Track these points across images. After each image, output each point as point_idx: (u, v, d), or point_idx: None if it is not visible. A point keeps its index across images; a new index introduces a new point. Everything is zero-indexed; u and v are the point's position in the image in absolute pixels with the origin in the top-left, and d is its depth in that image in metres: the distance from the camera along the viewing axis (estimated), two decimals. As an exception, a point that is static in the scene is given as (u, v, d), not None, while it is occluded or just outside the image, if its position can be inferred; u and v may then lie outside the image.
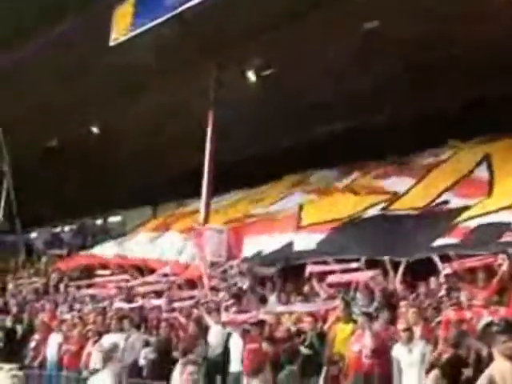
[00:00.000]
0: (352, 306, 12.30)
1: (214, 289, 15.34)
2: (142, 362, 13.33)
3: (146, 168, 22.48)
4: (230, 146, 18.82)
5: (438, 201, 15.50)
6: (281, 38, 15.96)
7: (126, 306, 15.70)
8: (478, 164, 16.49)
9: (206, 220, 18.24)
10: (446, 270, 11.99)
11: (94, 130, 22.30)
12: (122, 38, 17.53)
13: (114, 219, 28.89)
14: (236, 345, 12.30)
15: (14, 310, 18.58)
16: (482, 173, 16.12)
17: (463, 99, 16.99)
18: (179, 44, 16.96)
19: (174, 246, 19.34)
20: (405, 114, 17.45)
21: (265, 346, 11.49)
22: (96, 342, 14.19)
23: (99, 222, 29.29)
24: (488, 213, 13.62)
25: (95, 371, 11.53)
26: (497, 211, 13.51)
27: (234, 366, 12.17)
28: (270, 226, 17.67)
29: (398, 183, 17.78)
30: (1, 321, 17.66)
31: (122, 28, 17.65)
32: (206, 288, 15.43)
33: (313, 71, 16.91)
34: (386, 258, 13.18)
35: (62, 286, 19.71)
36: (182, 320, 14.14)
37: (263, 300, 14.32)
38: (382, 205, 16.43)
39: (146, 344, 13.67)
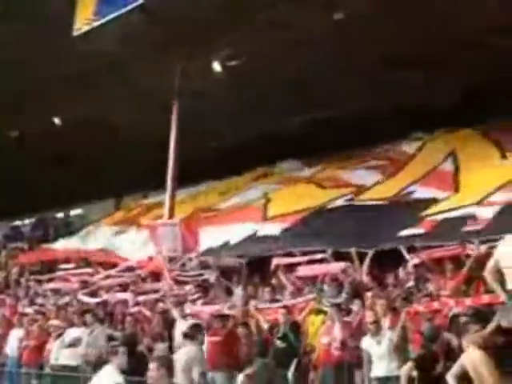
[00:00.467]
0: (321, 297, 12.29)
1: (179, 282, 15.16)
2: (106, 356, 13.08)
3: (109, 160, 22.13)
4: (196, 138, 18.61)
5: (404, 192, 15.54)
6: (248, 28, 15.78)
7: (89, 300, 15.45)
8: (444, 159, 16.60)
9: (171, 212, 18.02)
10: (413, 260, 11.99)
11: (56, 121, 21.91)
12: (86, 28, 17.21)
13: (75, 212, 28.47)
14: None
15: (-26, 304, 18.15)
16: (448, 167, 16.24)
17: (425, 91, 16.96)
18: (143, 35, 16.69)
19: (138, 239, 19.13)
20: (369, 106, 17.38)
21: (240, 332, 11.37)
22: (58, 336, 13.91)
23: (60, 215, 28.84)
24: (454, 208, 13.72)
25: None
26: (463, 206, 13.62)
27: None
28: (236, 217, 17.58)
29: (363, 176, 17.79)
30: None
31: (85, 18, 17.33)
32: (168, 282, 15.22)
33: (279, 62, 16.77)
34: (353, 250, 13.10)
35: (23, 280, 19.32)
36: (148, 313, 13.95)
37: (229, 292, 14.20)
38: (349, 196, 16.42)
39: (111, 338, 13.42)
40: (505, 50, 15.05)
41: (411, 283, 11.76)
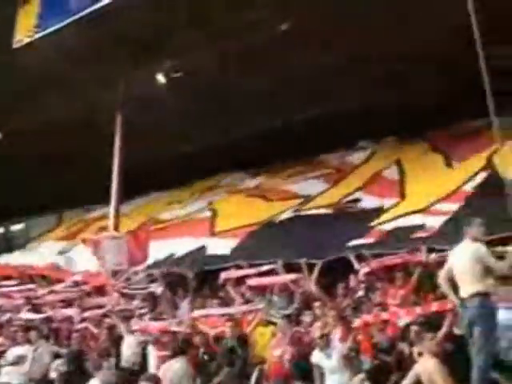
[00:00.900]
0: (270, 309, 12.23)
1: (125, 295, 14.90)
2: (52, 374, 12.75)
3: (51, 173, 21.69)
4: (141, 149, 18.39)
5: (350, 199, 15.63)
6: (192, 39, 15.69)
7: (33, 316, 15.06)
8: (390, 167, 16.77)
9: (116, 226, 17.73)
10: (363, 269, 12.01)
11: (-4, 134, 21.38)
12: (26, 40, 16.87)
13: (16, 227, 27.82)
14: (151, 354, 11.95)
15: None
16: (394, 175, 16.39)
17: (369, 100, 17.09)
18: (87, 46, 16.43)
19: (82, 254, 18.79)
20: (316, 116, 17.44)
21: None
22: (0, 354, 13.51)
23: (0, 230, 28.17)
24: (401, 216, 13.83)
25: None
26: (409, 214, 13.74)
27: (152, 374, 11.78)
28: (182, 230, 17.41)
29: (309, 186, 17.83)
30: None
31: (26, 29, 17.00)
32: (114, 297, 14.94)
33: (226, 73, 16.73)
34: (302, 261, 13.07)
35: (-37, 298, 18.70)
36: (94, 330, 13.68)
37: (176, 306, 14.02)
38: (296, 207, 16.44)
39: (57, 356, 13.10)
40: (446, 62, 15.27)
41: (361, 293, 11.77)
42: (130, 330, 12.72)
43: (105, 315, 14.05)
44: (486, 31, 10.45)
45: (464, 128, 16.86)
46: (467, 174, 14.73)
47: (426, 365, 8.25)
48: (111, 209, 17.93)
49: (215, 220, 17.55)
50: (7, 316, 15.62)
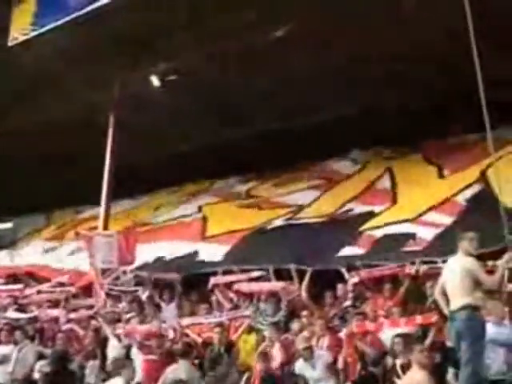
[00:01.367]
0: (257, 316, 12.20)
1: (112, 296, 14.81)
2: (36, 375, 12.65)
3: (41, 173, 21.57)
4: (133, 151, 18.32)
5: (343, 209, 15.63)
6: (188, 40, 15.65)
7: (19, 316, 14.95)
8: (382, 176, 16.77)
9: (106, 227, 17.64)
10: (352, 279, 12.00)
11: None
12: (22, 38, 16.80)
13: (3, 226, 27.63)
14: (136, 357, 11.87)
15: None
16: (385, 184, 16.41)
17: (364, 109, 17.04)
18: (83, 46, 16.37)
19: (70, 254, 18.70)
20: (311, 122, 17.40)
21: None
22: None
23: (-12, 228, 27.96)
24: (392, 223, 13.83)
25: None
26: (400, 222, 13.74)
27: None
28: (172, 234, 17.35)
29: (301, 196, 17.79)
30: None
31: (21, 28, 16.93)
32: (100, 297, 14.84)
33: (218, 76, 16.70)
34: (292, 268, 13.03)
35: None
36: (80, 331, 13.60)
37: (161, 310, 13.96)
38: (288, 216, 16.42)
39: (41, 356, 13.01)
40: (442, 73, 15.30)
41: (349, 302, 11.76)
42: (115, 333, 12.64)
43: (91, 317, 13.96)
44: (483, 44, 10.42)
45: (458, 140, 16.85)
46: (460, 184, 14.72)
47: (415, 377, 8.24)
48: (101, 209, 17.83)
49: (206, 224, 17.47)
50: (-8, 315, 15.52)
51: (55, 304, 15.28)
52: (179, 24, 15.14)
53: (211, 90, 17.17)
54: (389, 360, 9.60)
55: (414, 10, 13.45)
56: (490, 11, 12.81)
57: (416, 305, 11.09)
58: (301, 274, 12.87)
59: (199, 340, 12.02)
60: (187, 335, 12.25)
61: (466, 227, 9.95)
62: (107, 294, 14.78)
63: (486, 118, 9.51)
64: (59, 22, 16.09)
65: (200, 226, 17.41)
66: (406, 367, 8.80)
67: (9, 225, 27.02)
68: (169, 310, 13.88)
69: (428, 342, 9.26)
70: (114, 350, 12.38)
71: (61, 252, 19.31)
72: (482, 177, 14.26)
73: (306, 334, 10.79)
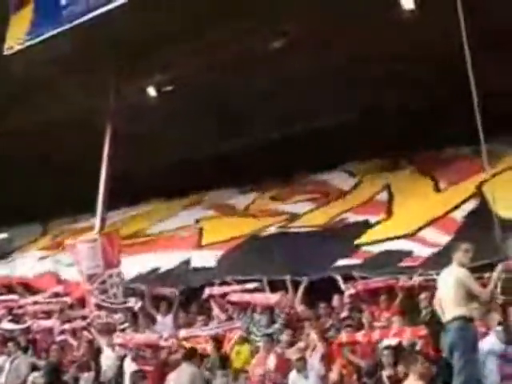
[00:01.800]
0: (251, 327, 12.16)
1: (104, 308, 14.72)
2: (29, 387, 12.59)
3: (37, 182, 21.53)
4: (130, 160, 18.29)
5: (337, 219, 15.61)
6: (182, 53, 15.65)
7: (13, 327, 14.88)
8: (379, 189, 16.74)
9: (102, 236, 17.51)
10: (349, 290, 11.96)
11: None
12: (18, 47, 16.78)
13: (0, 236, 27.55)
14: (130, 368, 11.81)
15: None
16: (382, 197, 16.37)
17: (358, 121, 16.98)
18: (78, 55, 16.36)
19: (65, 264, 18.62)
20: (303, 129, 17.38)
21: None
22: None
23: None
24: (389, 239, 13.80)
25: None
26: (398, 238, 13.73)
27: (128, 390, 11.64)
28: (168, 245, 17.30)
29: (298, 207, 17.76)
30: None
31: (17, 37, 16.92)
32: (91, 306, 14.74)
33: (213, 87, 16.69)
34: (288, 278, 12.98)
35: None
36: (73, 342, 13.54)
37: (158, 322, 13.90)
38: (282, 223, 16.39)
39: (34, 368, 12.94)
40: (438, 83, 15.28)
41: (345, 313, 11.71)
42: (109, 344, 12.58)
43: (84, 328, 13.90)
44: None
45: (453, 152, 16.83)
46: (456, 199, 14.68)
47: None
48: (97, 219, 17.74)
49: (202, 234, 17.46)
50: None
51: (50, 315, 15.21)
52: (177, 33, 15.09)
53: (209, 99, 17.15)
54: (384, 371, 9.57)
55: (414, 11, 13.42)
56: (488, 22, 12.85)
57: (411, 316, 11.02)
58: (296, 285, 12.83)
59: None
60: (184, 347, 12.17)
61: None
62: (100, 306, 14.66)
63: (481, 131, 9.54)
64: (55, 32, 16.05)
65: (196, 237, 17.36)
66: (393, 378, 8.83)
67: (4, 235, 26.99)
68: (165, 321, 13.81)
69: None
70: (107, 360, 12.32)
71: (56, 262, 19.20)
72: (478, 191, 14.20)
73: (300, 344, 10.75)
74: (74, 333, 13.93)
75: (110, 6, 14.73)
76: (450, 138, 16.00)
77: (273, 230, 16.08)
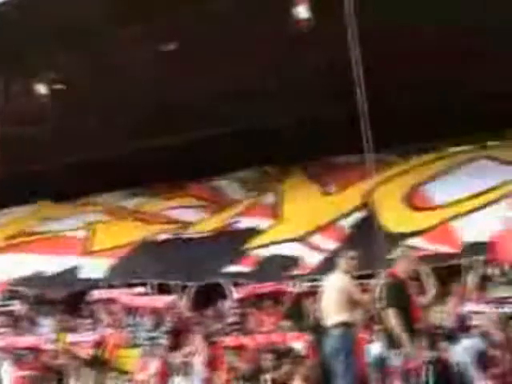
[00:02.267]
0: (137, 330, 12.07)
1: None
2: None
3: None
4: (19, 160, 17.74)
5: (228, 224, 15.67)
6: (77, 53, 15.28)
7: None
8: (268, 194, 16.88)
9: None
10: (236, 295, 12.04)
11: None
12: None
13: None
14: (7, 373, 11.48)
15: None
16: (271, 201, 16.51)
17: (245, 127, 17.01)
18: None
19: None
20: (197, 139, 17.30)
21: None
22: None
23: None
24: (278, 243, 13.96)
25: None
26: (287, 243, 13.92)
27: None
28: (54, 247, 16.89)
29: (187, 213, 17.71)
30: None
31: None
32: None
33: (109, 89, 16.39)
34: (176, 282, 12.95)
35: None
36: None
37: (41, 325, 13.59)
38: (176, 231, 16.31)
39: None
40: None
41: (232, 318, 11.77)
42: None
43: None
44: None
45: (342, 160, 17.09)
46: (344, 207, 14.99)
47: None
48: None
49: (91, 239, 17.13)
50: None
51: None
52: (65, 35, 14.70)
53: (99, 100, 16.80)
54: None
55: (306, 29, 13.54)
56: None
57: (296, 321, 11.19)
58: (185, 289, 12.81)
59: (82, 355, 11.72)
60: (69, 351, 11.94)
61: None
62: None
63: (366, 141, 9.78)
64: None
65: (84, 240, 17.03)
66: (276, 382, 8.92)
67: None
68: (48, 325, 13.50)
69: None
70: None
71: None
72: (366, 200, 14.56)
73: (185, 349, 10.74)
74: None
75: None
76: (341, 146, 16.28)
77: (164, 236, 15.97)
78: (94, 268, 15.21)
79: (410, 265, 7.98)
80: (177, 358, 10.34)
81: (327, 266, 11.50)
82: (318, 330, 9.22)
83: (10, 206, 20.62)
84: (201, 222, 16.87)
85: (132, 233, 16.86)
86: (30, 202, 21.45)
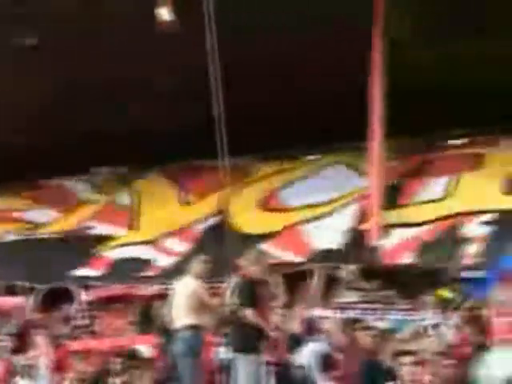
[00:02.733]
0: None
1: None
2: None
3: None
4: None
5: (79, 223, 15.36)
6: None
7: None
8: (124, 197, 16.65)
9: None
10: (85, 298, 11.82)
11: None
12: None
13: None
14: None
15: None
16: (127, 204, 16.31)
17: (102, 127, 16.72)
18: None
19: None
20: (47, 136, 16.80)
21: None
22: None
23: None
24: (129, 244, 13.85)
25: None
26: (139, 245, 13.88)
27: None
28: None
29: (38, 213, 17.17)
30: None
31: None
32: None
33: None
34: (23, 285, 12.56)
35: None
36: None
37: None
38: (24, 231, 15.80)
39: None
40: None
41: (81, 321, 11.56)
42: None
43: None
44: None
45: (200, 165, 17.11)
46: (199, 213, 15.07)
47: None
48: None
49: None
50: None
51: None
52: None
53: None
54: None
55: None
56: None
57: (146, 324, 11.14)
58: (32, 291, 12.45)
59: None
60: None
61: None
62: None
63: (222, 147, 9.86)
64: None
65: None
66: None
67: None
68: None
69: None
70: None
71: None
72: (221, 205, 14.66)
73: (31, 352, 10.43)
74: None
75: None
76: (200, 150, 16.26)
77: (12, 236, 15.44)
78: None
79: (262, 271, 8.14)
80: (21, 360, 9.98)
81: (179, 269, 11.53)
82: (167, 333, 9.24)
83: None
84: (51, 223, 16.40)
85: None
86: None
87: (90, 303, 11.82)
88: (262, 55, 13.63)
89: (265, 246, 11.99)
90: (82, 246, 14.23)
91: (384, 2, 12.14)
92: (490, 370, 8.00)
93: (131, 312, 11.45)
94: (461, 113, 13.43)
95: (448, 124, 14.54)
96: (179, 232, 14.38)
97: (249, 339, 7.76)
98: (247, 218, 13.81)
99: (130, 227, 15.05)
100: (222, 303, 8.72)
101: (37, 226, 16.33)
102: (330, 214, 13.38)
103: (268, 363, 8.21)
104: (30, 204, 17.57)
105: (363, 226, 12.47)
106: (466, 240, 11.87)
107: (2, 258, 14.32)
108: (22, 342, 10.94)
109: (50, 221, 16.49)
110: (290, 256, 12.34)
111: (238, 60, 12.55)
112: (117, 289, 11.86)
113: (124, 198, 16.54)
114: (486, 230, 11.86)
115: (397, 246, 12.12)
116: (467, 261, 11.16)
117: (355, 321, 9.58)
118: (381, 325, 9.75)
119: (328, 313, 9.84)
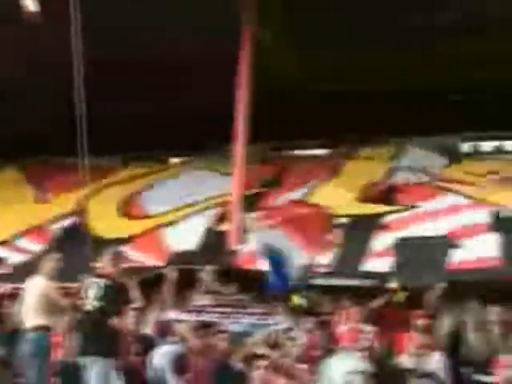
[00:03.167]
0: None
1: None
2: None
3: None
4: None
5: None
6: None
7: None
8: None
9: None
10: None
11: None
12: None
13: None
14: None
15: None
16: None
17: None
18: None
19: None
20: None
21: None
22: None
23: None
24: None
25: None
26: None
27: None
28: None
29: None
30: None
31: None
32: None
33: None
34: None
35: None
36: None
37: None
38: None
39: None
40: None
41: None
42: None
43: None
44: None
45: (59, 161, 16.70)
46: (55, 212, 14.69)
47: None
48: None
49: None
50: None
51: None
52: None
53: None
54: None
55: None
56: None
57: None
58: None
59: None
60: None
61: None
62: None
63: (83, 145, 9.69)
64: None
65: None
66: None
67: None
68: None
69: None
70: None
71: None
72: (78, 205, 14.36)
73: None
74: None
75: None
76: (62, 147, 15.87)
77: None
78: None
79: (119, 273, 8.10)
80: None
81: (31, 268, 11.25)
82: (16, 334, 9.02)
83: None
84: None
85: None
86: None
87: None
88: (131, 54, 13.54)
89: (123, 249, 11.83)
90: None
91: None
92: (333, 372, 8.38)
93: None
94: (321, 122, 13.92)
95: (310, 133, 15.06)
96: (34, 232, 14.02)
97: (104, 342, 7.70)
98: (105, 219, 13.63)
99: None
100: (74, 304, 8.60)
101: None
102: (189, 217, 13.42)
103: (120, 366, 8.16)
104: None
105: (222, 229, 12.58)
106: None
107: None
108: None
109: None
110: (148, 259, 12.29)
111: (106, 58, 12.41)
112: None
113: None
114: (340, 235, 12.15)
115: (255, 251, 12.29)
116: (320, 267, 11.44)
117: (210, 324, 9.66)
118: (235, 328, 9.87)
119: (183, 316, 9.86)
